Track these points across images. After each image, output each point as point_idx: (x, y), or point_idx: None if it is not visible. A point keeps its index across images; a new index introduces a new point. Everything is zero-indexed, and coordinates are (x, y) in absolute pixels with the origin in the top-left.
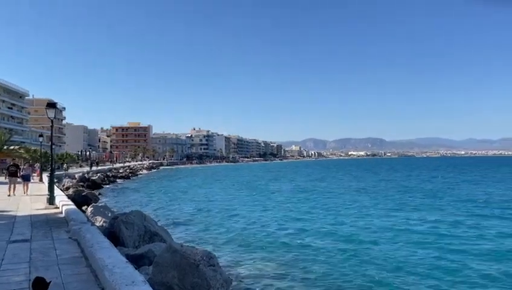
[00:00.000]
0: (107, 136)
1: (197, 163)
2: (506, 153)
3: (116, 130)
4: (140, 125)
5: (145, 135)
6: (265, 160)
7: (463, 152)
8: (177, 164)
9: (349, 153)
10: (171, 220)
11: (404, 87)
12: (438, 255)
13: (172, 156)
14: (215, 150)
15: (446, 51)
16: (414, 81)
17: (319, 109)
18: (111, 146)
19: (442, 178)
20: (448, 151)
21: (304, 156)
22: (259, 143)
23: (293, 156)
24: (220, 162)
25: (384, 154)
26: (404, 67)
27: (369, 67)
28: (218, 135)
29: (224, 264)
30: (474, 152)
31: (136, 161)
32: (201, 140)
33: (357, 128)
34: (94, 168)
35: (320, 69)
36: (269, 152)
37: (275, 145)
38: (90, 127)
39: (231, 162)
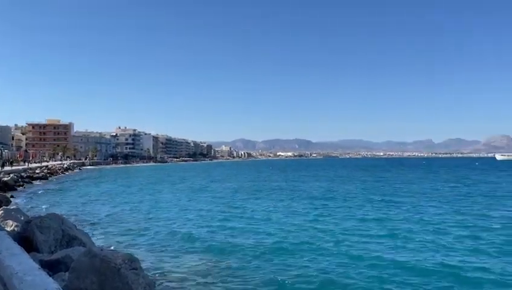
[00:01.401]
0: (22, 134)
1: (122, 163)
2: (418, 154)
3: (33, 127)
4: (60, 123)
5: (65, 133)
6: (195, 160)
7: (382, 153)
8: (101, 164)
9: (278, 153)
10: (92, 223)
11: (329, 90)
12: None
13: (96, 156)
14: (142, 149)
15: (371, 56)
16: (337, 85)
17: (248, 109)
18: (26, 144)
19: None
20: (369, 153)
21: (234, 157)
22: (189, 143)
23: (223, 156)
24: (147, 162)
25: (310, 154)
26: (328, 71)
27: (295, 69)
28: (145, 134)
29: (147, 267)
30: (391, 153)
31: (55, 161)
32: (127, 139)
33: (285, 129)
34: (7, 168)
35: (249, 69)
36: (199, 152)
37: (205, 145)
38: (2, 123)
39: (159, 162)
